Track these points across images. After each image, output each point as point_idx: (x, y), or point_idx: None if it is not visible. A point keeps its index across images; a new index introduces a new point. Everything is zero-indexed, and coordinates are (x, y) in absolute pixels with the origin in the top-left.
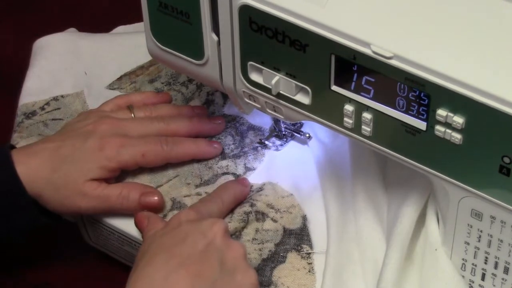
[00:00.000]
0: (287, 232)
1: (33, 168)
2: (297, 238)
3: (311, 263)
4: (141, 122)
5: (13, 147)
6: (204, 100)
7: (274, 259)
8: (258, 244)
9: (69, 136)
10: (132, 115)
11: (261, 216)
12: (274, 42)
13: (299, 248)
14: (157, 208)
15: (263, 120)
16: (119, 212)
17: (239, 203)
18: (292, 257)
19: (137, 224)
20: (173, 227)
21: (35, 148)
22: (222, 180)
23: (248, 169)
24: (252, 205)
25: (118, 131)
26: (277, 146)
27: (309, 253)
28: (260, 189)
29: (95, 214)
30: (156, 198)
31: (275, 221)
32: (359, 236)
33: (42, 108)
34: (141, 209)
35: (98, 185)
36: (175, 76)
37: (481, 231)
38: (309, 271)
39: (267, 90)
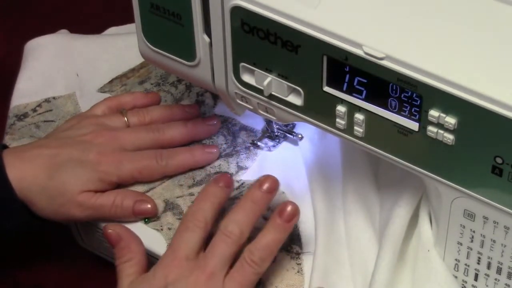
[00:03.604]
0: None
1: (27, 175)
2: (288, 238)
3: (300, 264)
4: (136, 133)
5: (5, 146)
6: (194, 101)
7: None
8: (249, 242)
9: (66, 144)
10: (125, 119)
11: None
12: (266, 43)
13: (289, 248)
14: (150, 215)
15: (255, 121)
16: (113, 219)
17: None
18: (281, 257)
19: (107, 238)
20: None
21: (30, 153)
22: None
23: (240, 168)
24: None
25: (115, 145)
26: (269, 147)
27: (299, 254)
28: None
29: (89, 221)
30: (149, 206)
31: (266, 219)
32: (348, 237)
33: (34, 110)
34: (135, 217)
35: (93, 195)
36: (165, 77)
37: (473, 232)
38: (298, 272)
39: (259, 91)
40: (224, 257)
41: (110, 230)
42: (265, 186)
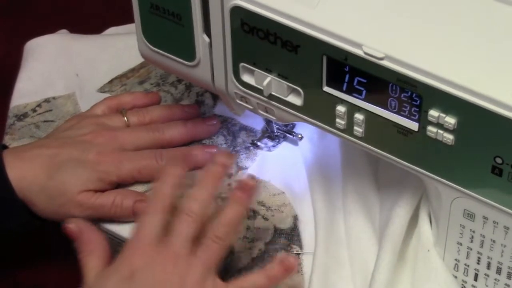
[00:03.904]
0: (277, 232)
1: (27, 174)
2: (287, 238)
3: (300, 264)
4: (136, 134)
5: (5, 146)
6: (193, 101)
7: (263, 258)
8: (249, 242)
9: (66, 144)
10: (125, 118)
11: (252, 213)
12: (266, 43)
13: (289, 248)
14: None
15: (255, 121)
16: (113, 219)
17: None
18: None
19: (68, 233)
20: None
21: (30, 153)
22: None
23: (240, 168)
24: None
25: (115, 145)
26: (269, 147)
27: (299, 254)
28: None
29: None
30: None
31: (266, 219)
32: (348, 237)
33: (34, 110)
34: (135, 216)
35: (93, 195)
36: (164, 77)
37: (473, 232)
38: (298, 272)
39: (259, 91)
40: (187, 236)
41: (70, 225)
42: (220, 159)
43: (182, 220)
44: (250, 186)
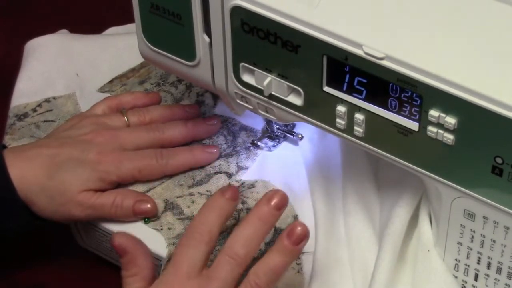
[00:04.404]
0: (277, 232)
1: (27, 174)
2: None
3: (300, 264)
4: (136, 133)
5: (5, 146)
6: (194, 101)
7: None
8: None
9: (66, 144)
10: (126, 118)
11: None
12: (266, 43)
13: None
14: (150, 215)
15: (255, 121)
16: (113, 219)
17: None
18: None
19: (114, 249)
20: None
21: (30, 153)
22: (215, 179)
23: (240, 168)
24: (243, 202)
25: (115, 144)
26: (269, 147)
27: None
28: (252, 185)
29: (89, 221)
30: (149, 205)
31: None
32: (348, 237)
33: (34, 110)
34: (135, 217)
35: (93, 195)
36: (165, 77)
37: (473, 232)
38: (298, 272)
39: (259, 91)
40: (228, 280)
41: (117, 242)
42: (273, 202)
43: (225, 261)
44: (301, 237)
